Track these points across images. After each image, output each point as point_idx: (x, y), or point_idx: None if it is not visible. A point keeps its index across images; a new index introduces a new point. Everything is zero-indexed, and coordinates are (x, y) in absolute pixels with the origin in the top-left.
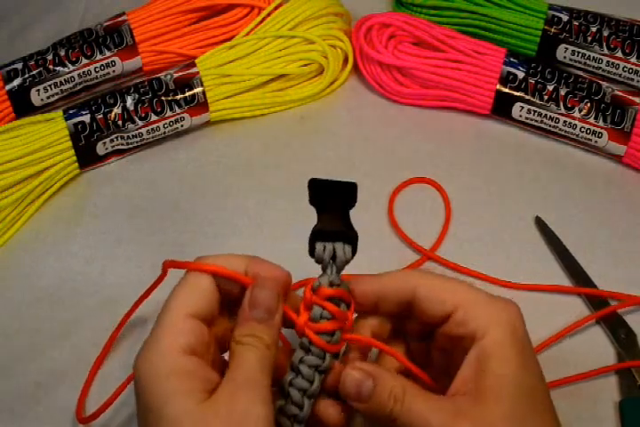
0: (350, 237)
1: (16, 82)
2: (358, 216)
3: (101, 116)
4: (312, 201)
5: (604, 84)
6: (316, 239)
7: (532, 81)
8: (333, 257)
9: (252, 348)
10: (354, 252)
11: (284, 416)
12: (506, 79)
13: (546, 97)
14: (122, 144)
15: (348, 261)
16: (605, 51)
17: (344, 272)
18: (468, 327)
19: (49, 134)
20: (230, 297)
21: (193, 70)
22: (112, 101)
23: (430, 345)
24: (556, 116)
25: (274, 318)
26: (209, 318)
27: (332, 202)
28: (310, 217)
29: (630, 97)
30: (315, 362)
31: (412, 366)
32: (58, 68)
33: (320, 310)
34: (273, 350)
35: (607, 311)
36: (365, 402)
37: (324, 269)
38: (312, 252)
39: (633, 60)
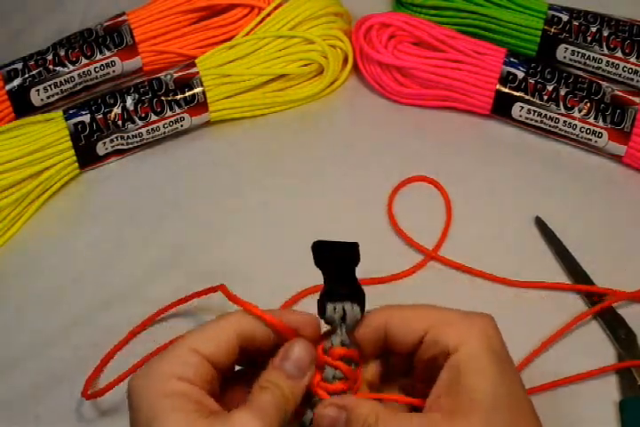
0: (359, 297)
1: (16, 82)
2: (358, 216)
3: (101, 116)
4: (318, 263)
5: (604, 84)
6: (325, 301)
7: (531, 81)
8: (343, 317)
9: (271, 391)
10: (362, 310)
11: None
12: (506, 79)
13: (546, 97)
14: (122, 144)
15: (357, 321)
16: (605, 51)
17: None
18: (439, 346)
19: (49, 134)
20: (251, 352)
21: (193, 70)
22: (112, 101)
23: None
24: (556, 116)
25: (302, 378)
26: (221, 365)
27: (338, 262)
28: (311, 217)
29: (630, 97)
30: None
31: (411, 400)
32: (58, 68)
33: (333, 371)
34: (291, 405)
35: (604, 306)
36: None
37: (334, 330)
38: (322, 313)
39: (633, 59)
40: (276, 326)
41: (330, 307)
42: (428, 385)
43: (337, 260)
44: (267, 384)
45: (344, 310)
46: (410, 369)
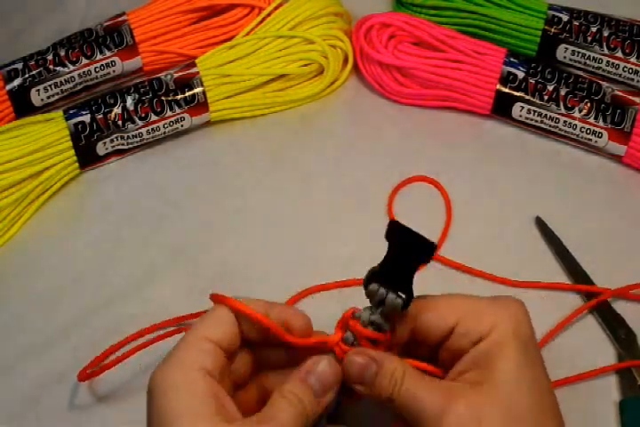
0: (406, 293)
1: (16, 82)
2: (358, 216)
3: (101, 116)
4: (389, 238)
5: (604, 84)
6: (374, 279)
7: (532, 81)
8: (382, 302)
9: (294, 405)
10: (404, 307)
11: None
12: (506, 79)
13: (546, 97)
14: (122, 144)
15: (394, 312)
16: (605, 51)
17: None
18: (473, 336)
19: (49, 134)
20: (247, 338)
21: (193, 70)
22: (112, 101)
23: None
24: (556, 116)
25: (324, 396)
26: (229, 349)
27: (408, 251)
28: (311, 217)
29: (630, 97)
30: None
31: (433, 369)
32: (58, 68)
33: (352, 338)
34: (310, 418)
35: (598, 300)
36: (368, 386)
37: (370, 307)
38: (366, 286)
39: (633, 60)
40: (273, 328)
41: (374, 286)
42: (451, 360)
43: (410, 248)
44: (290, 396)
45: (386, 296)
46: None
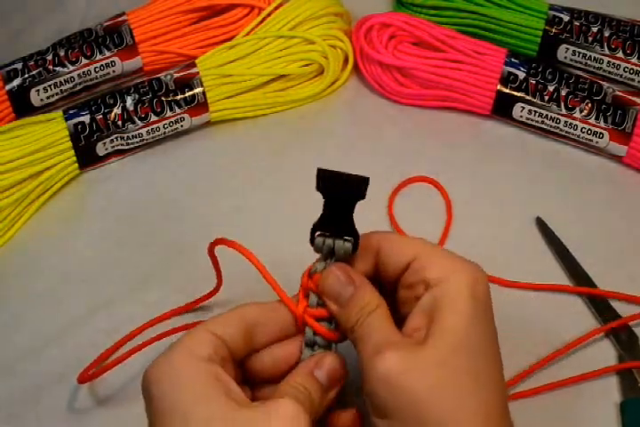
0: (351, 235)
1: (16, 82)
2: (358, 216)
3: (101, 116)
4: (319, 188)
5: (605, 84)
6: (315, 231)
7: (532, 81)
8: (332, 251)
9: (302, 395)
10: (355, 248)
11: None
12: (506, 79)
13: (547, 97)
14: (122, 144)
15: (346, 258)
16: (606, 51)
17: None
18: (423, 274)
19: (49, 134)
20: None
21: (193, 70)
22: (112, 102)
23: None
24: (557, 116)
25: (329, 392)
26: (232, 348)
27: (340, 195)
28: (311, 216)
29: (631, 97)
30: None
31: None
32: (58, 69)
33: (316, 298)
34: (316, 412)
35: (618, 324)
36: (341, 306)
37: (321, 259)
38: (312, 241)
39: (634, 60)
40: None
41: (319, 239)
42: (407, 311)
43: (340, 191)
44: (299, 387)
45: (334, 244)
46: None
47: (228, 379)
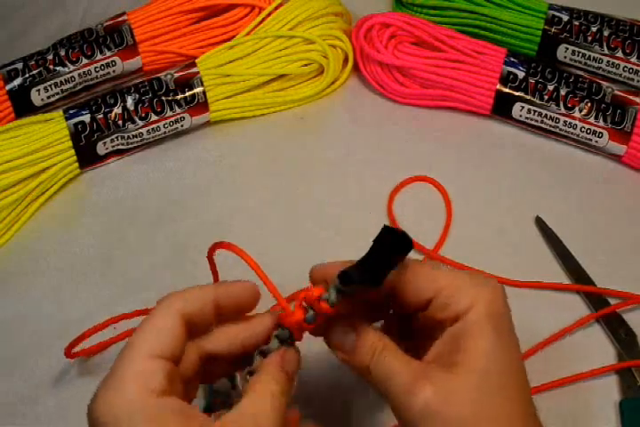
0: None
1: (16, 82)
2: (358, 216)
3: (102, 116)
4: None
5: (605, 84)
6: (346, 277)
7: (532, 81)
8: (351, 291)
9: (277, 383)
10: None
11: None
12: (506, 79)
13: (546, 97)
14: (122, 144)
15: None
16: (606, 51)
17: None
18: (450, 311)
19: (49, 134)
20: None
21: (193, 70)
22: (112, 101)
23: (406, 324)
24: (557, 116)
25: (292, 383)
26: (175, 355)
27: (387, 247)
28: (310, 216)
29: (631, 97)
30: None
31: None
32: (58, 68)
33: (313, 317)
34: (288, 399)
35: (608, 311)
36: (348, 354)
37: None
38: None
39: (633, 59)
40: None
41: (337, 287)
42: (424, 346)
43: (389, 244)
44: (272, 381)
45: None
46: (407, 332)
47: (182, 408)
